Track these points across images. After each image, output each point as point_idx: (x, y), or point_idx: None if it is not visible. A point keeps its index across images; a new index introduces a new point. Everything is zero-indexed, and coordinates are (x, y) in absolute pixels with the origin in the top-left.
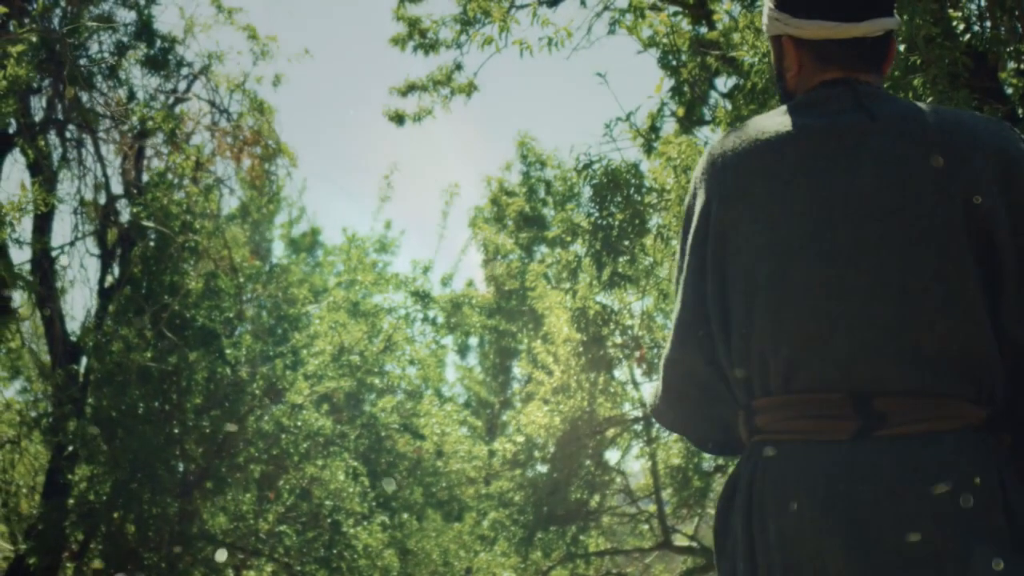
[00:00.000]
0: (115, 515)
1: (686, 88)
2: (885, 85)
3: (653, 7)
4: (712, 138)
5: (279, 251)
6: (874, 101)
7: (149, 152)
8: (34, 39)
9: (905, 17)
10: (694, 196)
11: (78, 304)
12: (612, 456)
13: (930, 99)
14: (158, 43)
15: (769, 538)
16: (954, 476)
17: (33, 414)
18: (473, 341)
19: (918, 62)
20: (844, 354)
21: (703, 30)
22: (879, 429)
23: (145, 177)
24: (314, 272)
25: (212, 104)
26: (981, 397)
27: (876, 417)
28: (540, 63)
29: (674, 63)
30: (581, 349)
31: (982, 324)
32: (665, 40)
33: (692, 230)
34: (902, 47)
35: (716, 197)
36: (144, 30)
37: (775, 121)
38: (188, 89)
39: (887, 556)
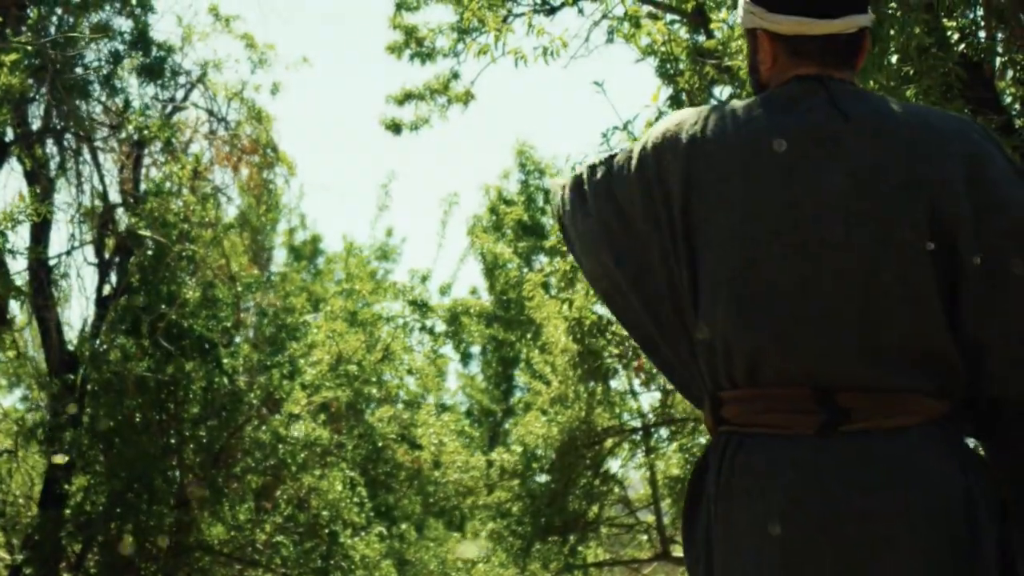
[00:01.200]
0: (112, 525)
1: (684, 97)
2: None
3: (651, 15)
4: None
5: (281, 259)
6: (847, 99)
7: (147, 161)
8: (29, 48)
9: (895, 28)
10: (652, 159)
11: (75, 314)
12: (613, 465)
13: None
14: (154, 51)
15: (732, 529)
16: (917, 468)
17: (30, 423)
18: (475, 349)
19: (911, 72)
20: (808, 350)
21: (701, 38)
22: (843, 424)
23: (143, 186)
24: (315, 280)
25: (210, 112)
26: (941, 391)
27: (840, 412)
28: (538, 71)
29: (672, 72)
30: (577, 359)
31: (941, 322)
32: (663, 49)
33: (641, 198)
34: (894, 58)
35: (682, 181)
36: (140, 39)
37: (748, 115)
38: (186, 98)
39: (852, 548)
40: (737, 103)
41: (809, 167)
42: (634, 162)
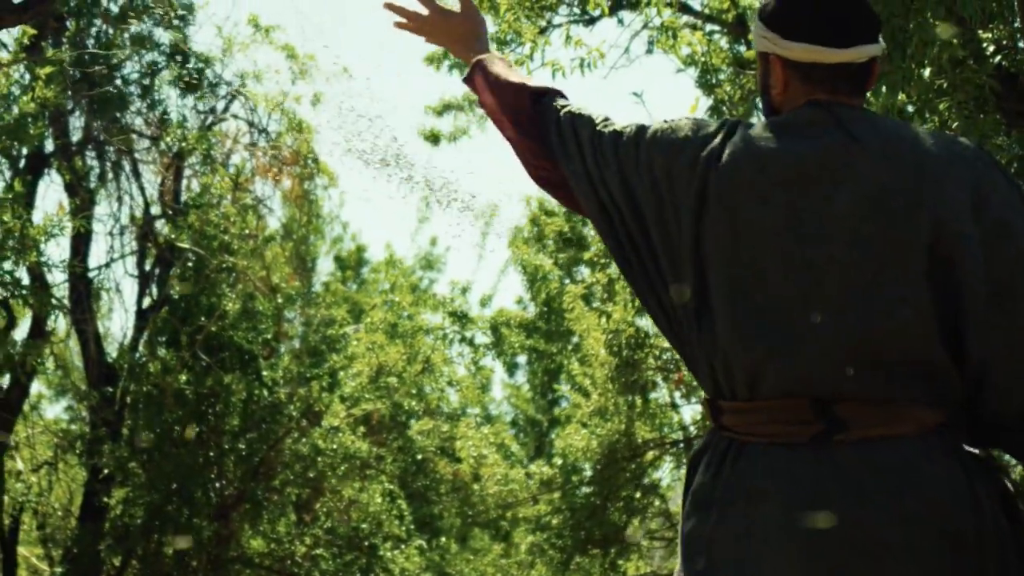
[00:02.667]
0: (153, 537)
1: (725, 108)
2: (912, 109)
3: (692, 26)
4: None
5: (326, 269)
6: (857, 124)
7: (187, 172)
8: (66, 60)
9: (927, 42)
10: (674, 152)
11: (115, 326)
12: (660, 475)
13: (956, 124)
14: (192, 63)
15: (733, 536)
16: (917, 475)
17: (72, 435)
18: (522, 359)
19: (944, 85)
20: (808, 364)
21: (742, 48)
22: (841, 434)
23: (183, 197)
24: (360, 290)
25: (250, 124)
26: (938, 401)
27: (838, 423)
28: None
29: (712, 82)
30: (614, 373)
31: (939, 337)
32: (703, 59)
33: (653, 199)
34: (927, 71)
35: (696, 195)
36: (178, 50)
37: (761, 137)
38: (226, 109)
39: (854, 555)
40: (751, 125)
41: (817, 189)
42: (648, 151)
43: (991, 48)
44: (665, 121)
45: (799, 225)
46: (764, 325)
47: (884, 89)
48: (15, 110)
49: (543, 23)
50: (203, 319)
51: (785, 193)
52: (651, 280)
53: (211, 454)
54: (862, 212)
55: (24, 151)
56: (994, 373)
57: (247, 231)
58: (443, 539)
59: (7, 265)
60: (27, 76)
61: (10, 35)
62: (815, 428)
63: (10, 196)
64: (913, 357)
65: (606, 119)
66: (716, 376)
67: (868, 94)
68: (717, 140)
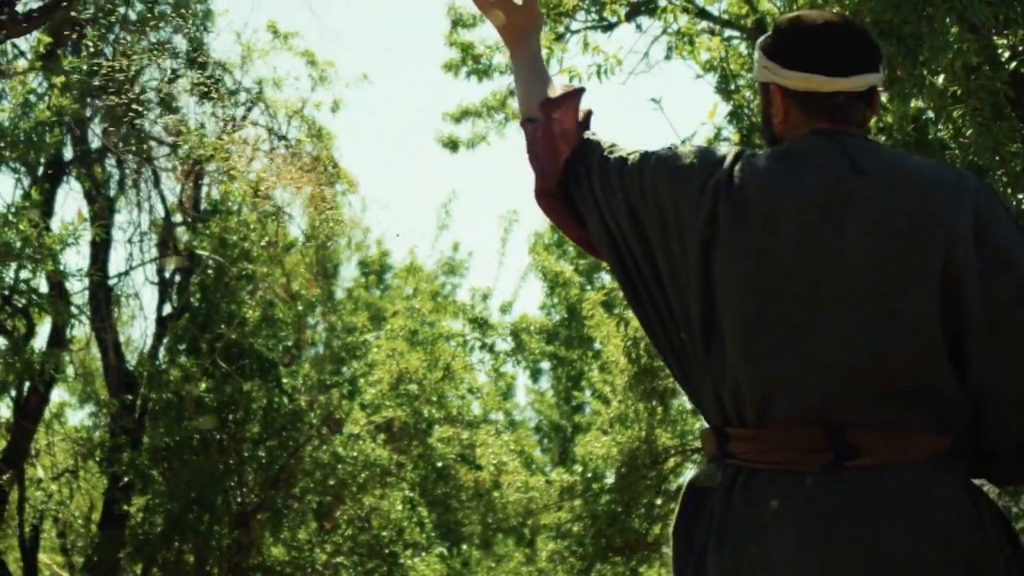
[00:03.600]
0: (173, 545)
1: (746, 112)
2: (927, 115)
3: (710, 31)
4: None
5: (349, 274)
6: (861, 153)
7: (207, 179)
8: (84, 67)
9: (937, 48)
10: (680, 180)
11: (135, 333)
12: (682, 482)
13: (970, 131)
14: (210, 70)
15: (745, 564)
16: (926, 500)
17: (94, 441)
18: (545, 364)
19: (958, 92)
20: (818, 391)
21: None
22: (852, 460)
23: (203, 205)
24: (384, 296)
25: (270, 131)
26: (945, 429)
27: (849, 449)
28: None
29: (731, 88)
30: (633, 380)
31: (947, 365)
32: (722, 65)
33: (665, 220)
34: (940, 77)
35: (706, 222)
36: (196, 58)
37: (768, 165)
38: (246, 116)
39: None
40: (756, 153)
41: (825, 218)
42: (653, 179)
43: (1006, 54)
44: (669, 148)
45: (809, 253)
46: (776, 351)
47: (896, 97)
48: (31, 118)
49: (561, 29)
50: (223, 326)
51: (794, 221)
52: (658, 308)
53: (231, 462)
54: (870, 241)
55: (41, 159)
56: (991, 402)
57: (267, 238)
58: (464, 546)
59: (24, 274)
60: (44, 84)
61: (27, 43)
62: (826, 455)
63: (27, 204)
64: (923, 384)
65: (612, 145)
66: (724, 403)
67: (881, 104)
68: (724, 168)
